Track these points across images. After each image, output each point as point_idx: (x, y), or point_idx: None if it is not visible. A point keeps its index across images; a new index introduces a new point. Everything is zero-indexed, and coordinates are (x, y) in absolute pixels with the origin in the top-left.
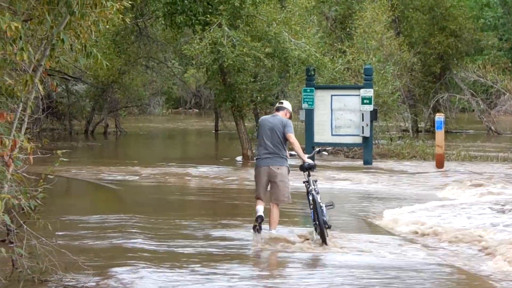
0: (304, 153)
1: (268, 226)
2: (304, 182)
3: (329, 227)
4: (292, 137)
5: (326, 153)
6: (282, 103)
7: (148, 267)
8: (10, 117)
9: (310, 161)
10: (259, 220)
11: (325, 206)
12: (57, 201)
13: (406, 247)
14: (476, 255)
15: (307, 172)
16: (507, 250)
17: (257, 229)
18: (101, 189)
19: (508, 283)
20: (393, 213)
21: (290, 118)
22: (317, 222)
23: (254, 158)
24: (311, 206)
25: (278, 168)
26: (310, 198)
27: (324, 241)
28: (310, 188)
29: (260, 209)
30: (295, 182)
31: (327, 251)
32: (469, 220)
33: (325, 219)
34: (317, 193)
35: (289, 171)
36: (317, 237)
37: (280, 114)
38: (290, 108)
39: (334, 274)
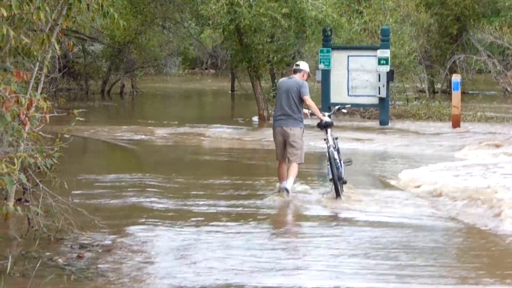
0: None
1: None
2: (324, 140)
3: (344, 183)
4: (307, 99)
5: (345, 111)
6: (298, 65)
7: (163, 225)
8: (27, 76)
9: (327, 119)
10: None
11: (344, 163)
12: (73, 160)
13: (421, 206)
14: (490, 215)
15: (325, 130)
16: None
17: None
18: (117, 148)
19: None
20: (409, 173)
21: (307, 78)
22: (332, 177)
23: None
24: (328, 163)
25: (291, 129)
26: (327, 154)
27: (338, 195)
28: (329, 144)
29: (285, 185)
30: (313, 142)
31: (341, 206)
32: (485, 180)
33: (340, 174)
34: (335, 149)
35: (303, 132)
36: (332, 192)
37: (297, 76)
38: (307, 69)
39: (348, 231)
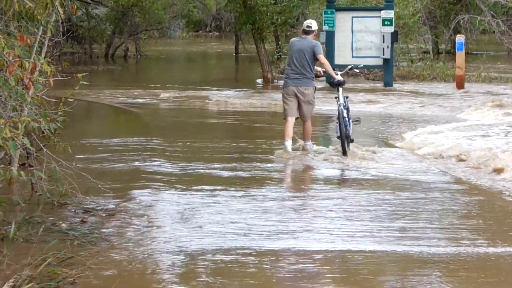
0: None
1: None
2: (335, 98)
3: (351, 141)
4: (322, 58)
5: (357, 70)
6: (310, 26)
7: (168, 189)
8: (30, 40)
9: (339, 77)
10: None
11: (352, 122)
12: (77, 124)
13: (423, 165)
14: (493, 174)
15: (337, 88)
16: None
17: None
18: (121, 112)
19: None
20: (413, 134)
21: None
22: (340, 135)
23: (283, 78)
24: (338, 120)
25: (305, 89)
26: (337, 112)
27: (344, 152)
28: (339, 103)
29: (288, 145)
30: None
31: (350, 164)
32: (489, 141)
33: (348, 133)
34: (346, 108)
35: (315, 89)
36: (338, 149)
37: (310, 37)
38: (317, 28)
39: (354, 191)
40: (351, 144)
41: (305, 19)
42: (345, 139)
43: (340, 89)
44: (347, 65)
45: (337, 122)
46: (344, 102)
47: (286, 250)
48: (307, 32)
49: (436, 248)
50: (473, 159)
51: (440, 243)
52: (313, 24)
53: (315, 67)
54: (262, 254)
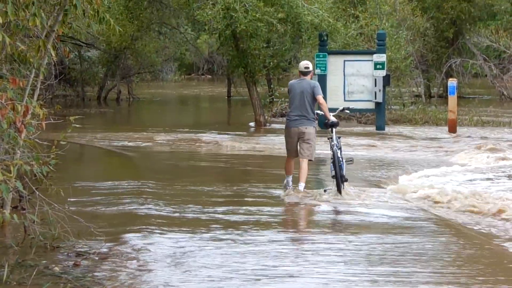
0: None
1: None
2: (328, 138)
3: (346, 180)
4: (321, 98)
5: (348, 112)
6: (308, 67)
7: (161, 233)
8: (23, 83)
9: (333, 119)
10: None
11: (345, 161)
12: (70, 167)
13: (416, 210)
14: (492, 222)
15: (331, 129)
16: None
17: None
18: (113, 155)
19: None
20: (406, 178)
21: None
22: (335, 174)
23: (286, 119)
24: (332, 160)
25: (306, 128)
26: (331, 152)
27: (339, 191)
28: (333, 143)
29: (289, 180)
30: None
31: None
32: (482, 185)
33: (342, 172)
34: (339, 148)
35: (316, 130)
36: (334, 188)
37: (308, 77)
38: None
39: (349, 236)
40: (345, 183)
41: (297, 63)
42: (339, 178)
43: (334, 130)
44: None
45: (331, 162)
46: (337, 142)
47: None
48: (305, 73)
49: None
50: (463, 202)
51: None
52: (310, 65)
53: None
54: None
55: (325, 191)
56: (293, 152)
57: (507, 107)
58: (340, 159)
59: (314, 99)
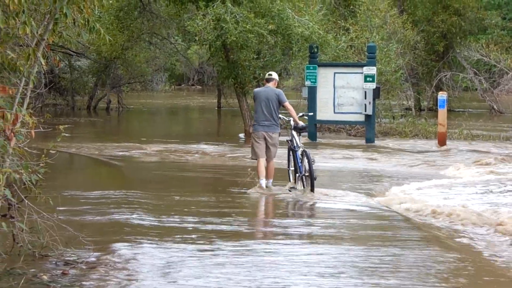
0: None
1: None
2: (287, 141)
3: (315, 178)
4: (288, 104)
5: (307, 117)
6: (271, 74)
7: (149, 242)
8: (12, 91)
9: (302, 123)
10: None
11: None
12: (59, 176)
13: (404, 225)
14: (486, 234)
15: (298, 132)
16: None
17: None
18: (102, 164)
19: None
20: (395, 191)
21: (277, 86)
22: (305, 174)
23: (253, 124)
24: (299, 160)
25: (273, 133)
26: (299, 152)
27: (312, 189)
28: (300, 145)
29: (263, 182)
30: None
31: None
32: (471, 198)
33: (312, 171)
34: (304, 151)
35: (279, 134)
36: (300, 187)
37: (271, 84)
38: (277, 78)
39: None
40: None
41: (288, 74)
42: (313, 176)
43: (300, 133)
44: (329, 121)
45: (295, 163)
46: (301, 144)
47: None
48: (268, 80)
49: None
50: (450, 215)
51: None
52: (273, 73)
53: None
54: None
55: (290, 190)
56: (263, 154)
57: (497, 120)
58: (312, 159)
59: (278, 105)
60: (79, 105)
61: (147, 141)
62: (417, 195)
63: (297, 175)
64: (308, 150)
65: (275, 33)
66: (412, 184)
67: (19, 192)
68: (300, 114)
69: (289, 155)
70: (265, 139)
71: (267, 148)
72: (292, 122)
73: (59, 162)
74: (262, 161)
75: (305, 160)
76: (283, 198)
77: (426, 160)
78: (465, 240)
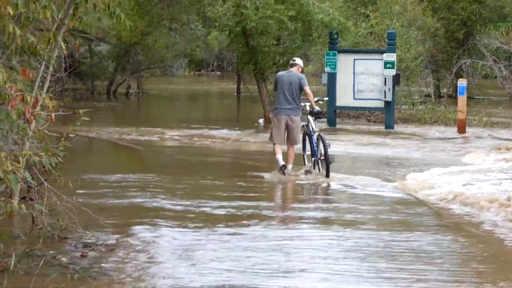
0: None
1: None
2: (303, 126)
3: (330, 162)
4: (307, 89)
5: (321, 102)
6: (294, 60)
7: (169, 226)
8: (33, 74)
9: (318, 108)
10: (283, 168)
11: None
12: (78, 159)
13: (425, 210)
14: (508, 220)
15: (314, 117)
16: None
17: (282, 171)
18: (122, 149)
19: None
20: (415, 176)
21: (302, 72)
22: (321, 158)
23: (274, 107)
24: (315, 145)
25: (295, 117)
26: (314, 137)
27: (328, 174)
28: (316, 129)
29: (280, 158)
30: None
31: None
32: (491, 185)
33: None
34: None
35: (301, 119)
36: (316, 171)
37: (294, 69)
38: (302, 64)
39: (349, 232)
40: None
41: (308, 61)
42: (329, 160)
43: (317, 118)
44: (348, 107)
45: (311, 147)
46: (317, 128)
47: None
48: (292, 65)
49: None
50: (468, 200)
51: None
52: (297, 59)
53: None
54: None
55: (306, 173)
56: (281, 138)
57: None
58: (327, 144)
59: (300, 90)
60: (98, 90)
61: (167, 126)
62: (437, 181)
63: (313, 159)
64: (323, 135)
65: (295, 19)
66: (432, 170)
67: (38, 174)
68: (316, 99)
69: (304, 139)
70: (286, 122)
71: (289, 132)
72: (308, 107)
73: (79, 146)
74: (278, 151)
75: (321, 145)
76: (301, 182)
77: (446, 146)
78: (487, 227)
